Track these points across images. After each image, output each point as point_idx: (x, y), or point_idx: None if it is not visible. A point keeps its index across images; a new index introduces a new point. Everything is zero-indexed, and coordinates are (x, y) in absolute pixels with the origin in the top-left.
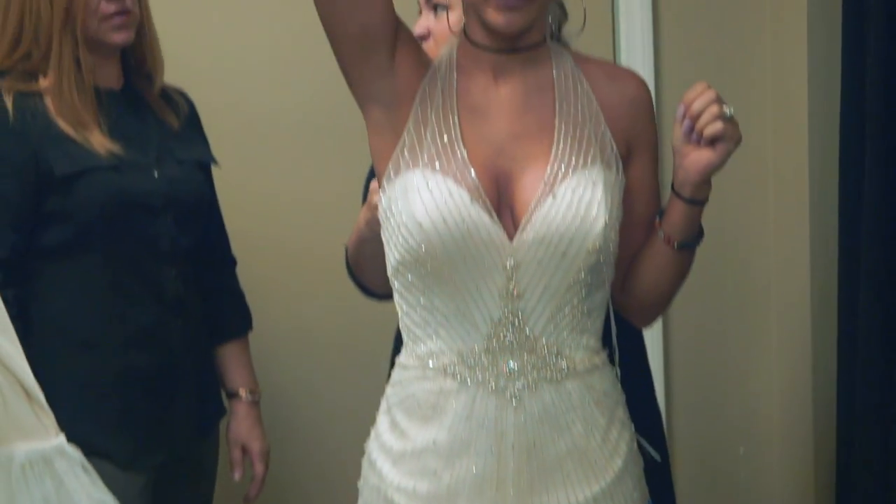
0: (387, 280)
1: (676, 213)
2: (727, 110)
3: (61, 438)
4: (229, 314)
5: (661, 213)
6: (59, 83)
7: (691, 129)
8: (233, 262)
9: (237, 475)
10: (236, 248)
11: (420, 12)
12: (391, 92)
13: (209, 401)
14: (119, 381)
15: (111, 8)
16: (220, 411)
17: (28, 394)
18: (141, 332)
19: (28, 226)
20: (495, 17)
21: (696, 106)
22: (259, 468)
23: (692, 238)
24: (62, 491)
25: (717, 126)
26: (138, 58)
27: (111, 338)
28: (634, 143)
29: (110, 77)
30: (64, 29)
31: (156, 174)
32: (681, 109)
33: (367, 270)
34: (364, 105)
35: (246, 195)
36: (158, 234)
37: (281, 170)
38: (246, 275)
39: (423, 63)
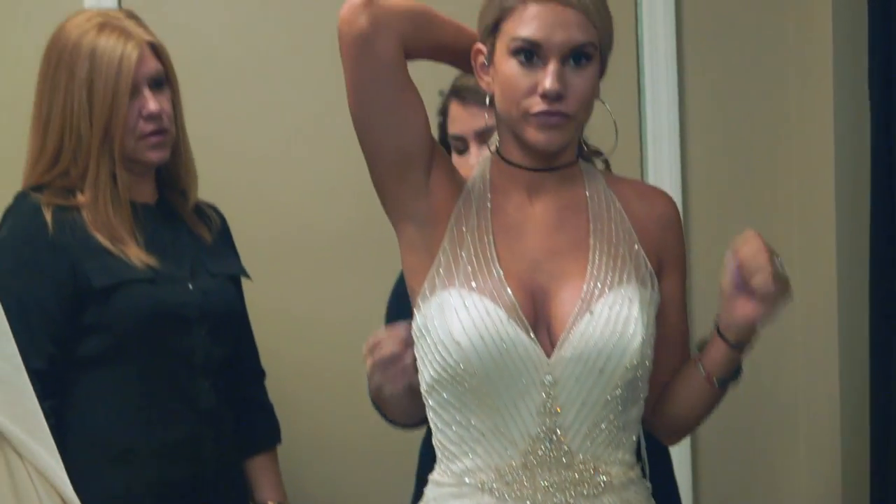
0: (409, 413)
1: (719, 353)
2: (778, 264)
3: None
4: (259, 427)
5: (700, 344)
6: (95, 199)
7: (739, 276)
8: (262, 375)
9: None
10: (265, 360)
11: (462, 150)
12: (426, 212)
13: None
14: (152, 493)
15: (149, 127)
16: None
17: None
18: (175, 444)
19: (65, 337)
20: (535, 136)
21: (745, 253)
22: None
23: (732, 374)
24: None
25: (768, 285)
26: (173, 174)
27: (145, 449)
28: (664, 259)
29: (146, 192)
30: (102, 147)
31: (190, 286)
32: (729, 257)
33: (386, 406)
34: (398, 224)
35: (274, 309)
36: (193, 347)
37: (310, 284)
38: (274, 387)
39: (457, 183)
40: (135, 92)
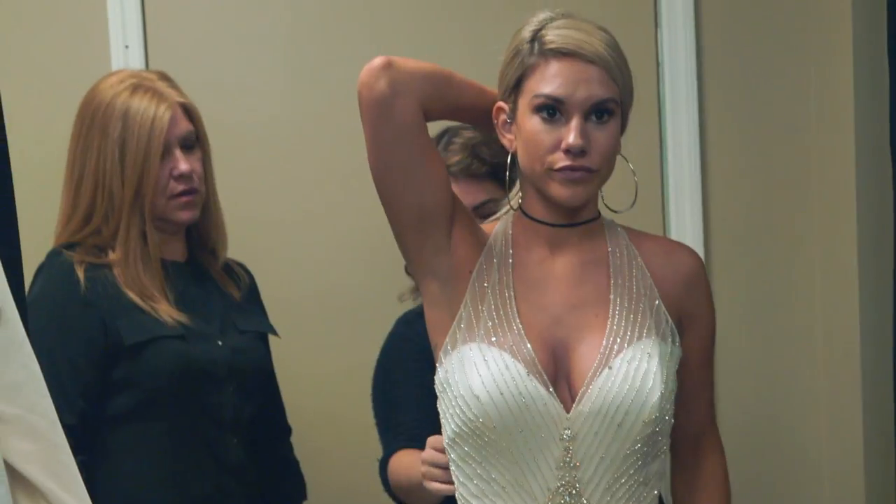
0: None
1: None
2: None
3: None
4: (285, 483)
5: None
6: (126, 257)
7: None
8: (288, 431)
9: None
10: (291, 417)
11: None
12: (448, 268)
13: None
14: None
15: (179, 187)
16: None
17: None
18: (202, 500)
19: (96, 393)
20: (559, 191)
21: None
22: None
23: None
24: None
25: None
26: (203, 233)
27: None
28: (686, 315)
29: (176, 251)
30: (133, 206)
31: (220, 343)
32: None
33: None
34: (421, 280)
35: (300, 365)
36: (222, 404)
37: (334, 342)
38: (300, 444)
39: (479, 239)
40: (166, 152)
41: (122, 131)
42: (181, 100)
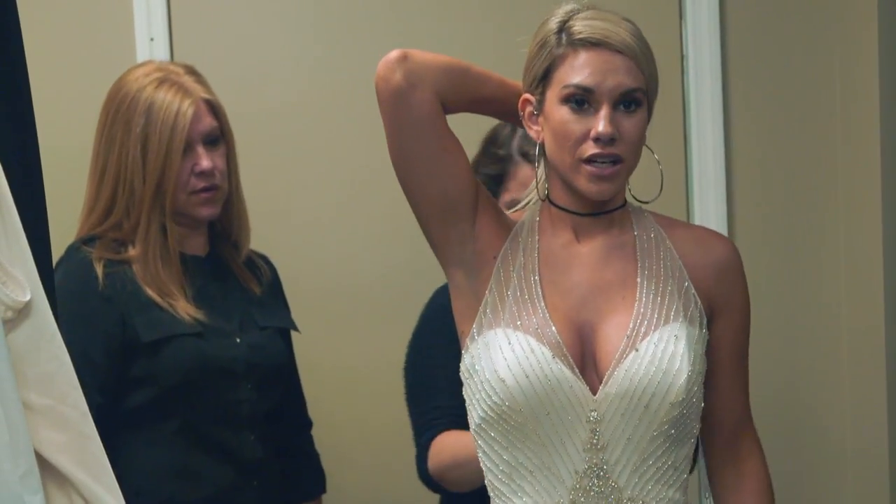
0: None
1: None
2: None
3: None
4: (304, 476)
5: None
6: (145, 253)
7: None
8: (309, 425)
9: None
10: (312, 410)
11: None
12: (473, 255)
13: None
14: None
15: (200, 184)
16: None
17: None
18: (218, 494)
19: (113, 389)
20: (587, 186)
21: None
22: None
23: None
24: None
25: None
26: (226, 227)
27: (189, 499)
28: (719, 303)
29: (197, 245)
30: (154, 202)
31: (238, 340)
32: None
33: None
34: (447, 268)
35: (322, 359)
36: (239, 401)
37: (357, 335)
38: (321, 436)
39: (505, 225)
40: (188, 148)
41: (144, 126)
42: (206, 96)
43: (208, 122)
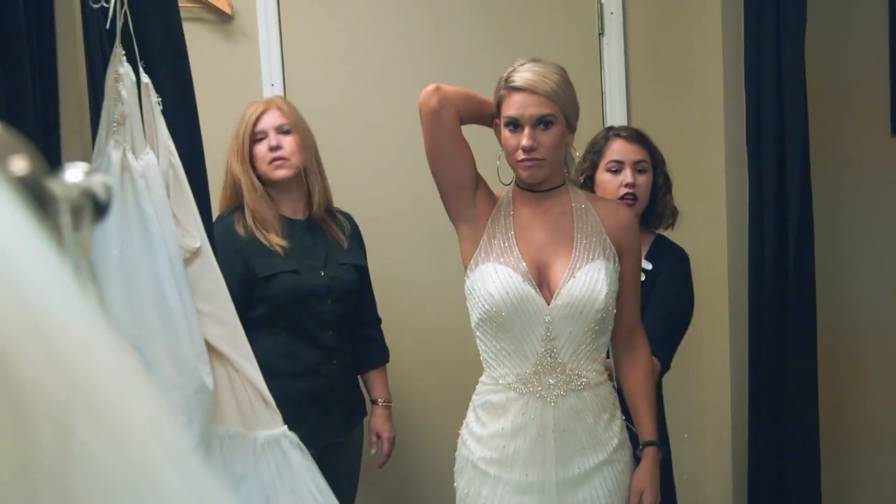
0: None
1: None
2: None
3: (284, 429)
4: (374, 353)
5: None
6: (257, 216)
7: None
8: (378, 321)
9: (373, 451)
10: (383, 310)
11: (616, 171)
12: (473, 216)
13: (355, 408)
14: (294, 399)
15: (270, 156)
16: (363, 412)
17: (264, 400)
18: (309, 368)
19: (243, 305)
20: (523, 174)
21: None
22: (387, 447)
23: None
24: (285, 460)
25: None
26: (311, 193)
27: (289, 370)
28: (622, 248)
29: (296, 210)
30: (246, 175)
31: (322, 273)
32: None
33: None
34: (456, 223)
35: (389, 276)
36: (322, 311)
37: (412, 262)
38: (387, 328)
39: (493, 199)
40: (264, 135)
41: (236, 128)
42: (280, 103)
43: (278, 118)
